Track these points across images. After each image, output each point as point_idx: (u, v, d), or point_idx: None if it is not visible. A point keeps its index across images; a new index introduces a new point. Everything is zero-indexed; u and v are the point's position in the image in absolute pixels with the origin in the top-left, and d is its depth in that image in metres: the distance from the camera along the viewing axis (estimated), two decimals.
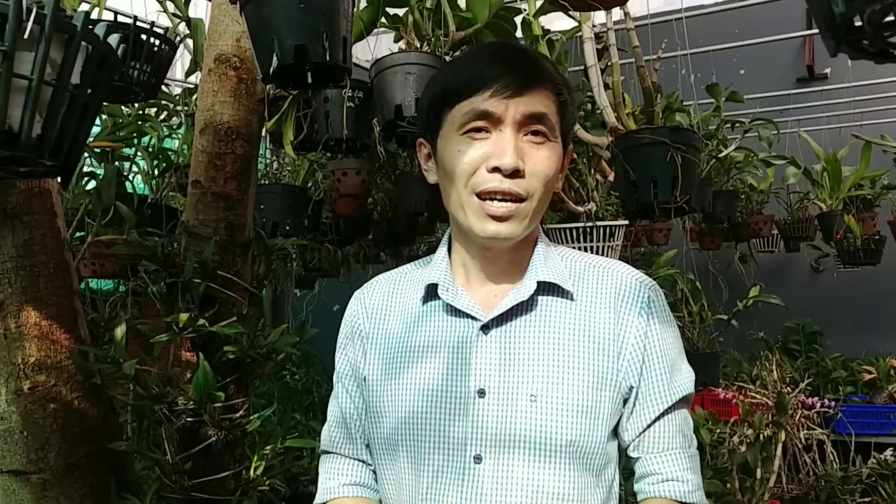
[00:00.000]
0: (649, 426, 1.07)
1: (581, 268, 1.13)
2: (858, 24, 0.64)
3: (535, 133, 1.04)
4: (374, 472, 1.18)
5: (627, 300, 1.09)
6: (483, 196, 1.04)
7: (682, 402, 1.10)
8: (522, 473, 1.01)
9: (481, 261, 1.12)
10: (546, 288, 1.09)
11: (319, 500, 1.20)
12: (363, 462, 1.20)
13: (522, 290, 1.08)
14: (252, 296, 1.79)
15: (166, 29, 2.03)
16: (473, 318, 1.08)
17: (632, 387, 1.07)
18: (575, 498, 1.02)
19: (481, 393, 1.03)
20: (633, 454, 1.09)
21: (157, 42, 1.92)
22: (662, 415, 1.07)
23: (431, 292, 1.13)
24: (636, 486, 1.11)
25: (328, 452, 1.23)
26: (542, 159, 1.04)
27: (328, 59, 1.20)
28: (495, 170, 1.02)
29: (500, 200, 1.03)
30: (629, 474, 1.13)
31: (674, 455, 1.07)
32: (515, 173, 1.02)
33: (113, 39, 1.02)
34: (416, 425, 1.06)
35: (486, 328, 1.07)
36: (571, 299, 1.09)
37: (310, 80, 1.27)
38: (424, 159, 1.16)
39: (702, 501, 1.06)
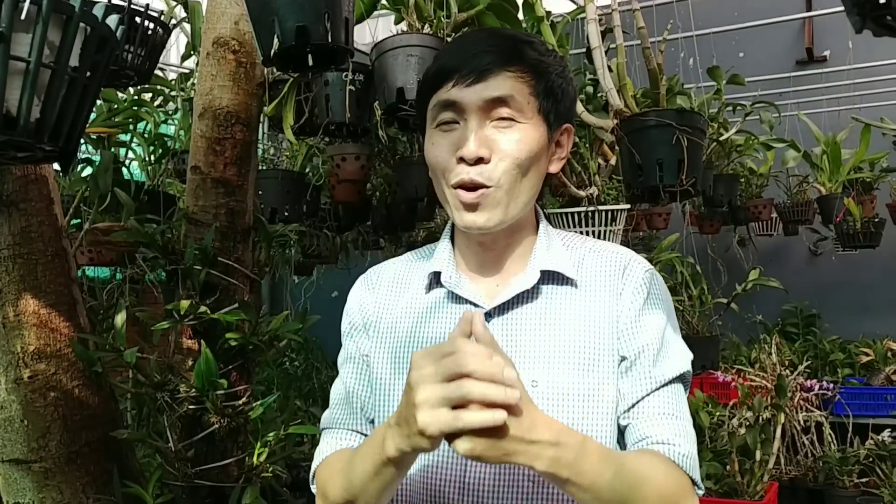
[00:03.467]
0: (643, 398, 1.04)
1: (582, 253, 1.13)
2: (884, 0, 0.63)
3: (502, 117, 1.02)
4: None
5: (626, 279, 1.09)
6: (457, 188, 1.03)
7: (678, 380, 1.07)
8: None
9: (479, 250, 1.12)
10: (549, 277, 1.09)
11: (314, 467, 1.16)
12: (362, 434, 1.16)
13: (525, 279, 1.08)
14: (252, 282, 1.78)
15: (161, 12, 2.00)
16: (476, 305, 1.08)
17: (624, 357, 1.05)
18: None
19: None
20: (622, 422, 1.06)
21: (152, 25, 1.89)
22: (656, 389, 1.05)
23: (435, 281, 1.13)
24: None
25: (327, 429, 1.20)
26: (509, 143, 1.02)
27: (330, 40, 1.18)
28: (461, 160, 1.02)
29: (468, 190, 1.02)
30: None
31: (665, 421, 1.03)
32: (479, 161, 1.01)
33: (112, 20, 1.00)
34: None
35: (488, 316, 1.07)
36: (575, 286, 1.09)
37: (311, 63, 1.25)
38: None
39: (694, 472, 1.01)
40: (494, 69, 1.01)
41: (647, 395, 1.05)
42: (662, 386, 1.05)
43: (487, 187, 1.02)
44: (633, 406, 1.05)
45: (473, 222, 1.03)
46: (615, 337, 1.06)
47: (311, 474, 1.16)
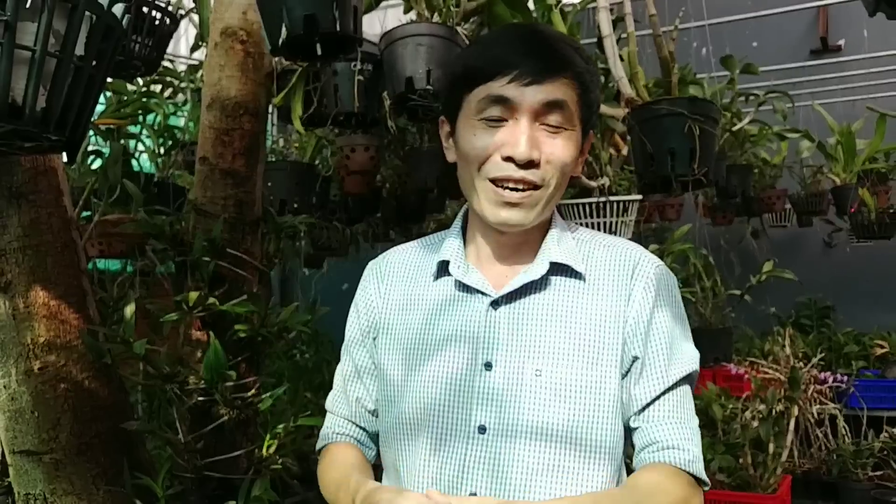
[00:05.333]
0: (652, 402, 1.06)
1: (591, 247, 1.14)
2: None
3: (553, 121, 1.03)
4: (368, 433, 1.22)
5: (636, 275, 1.09)
6: (497, 182, 1.04)
7: (686, 380, 1.09)
8: (524, 445, 1.02)
9: (494, 241, 1.13)
10: (558, 269, 1.10)
11: (319, 446, 1.25)
12: (355, 424, 1.23)
13: (534, 269, 1.09)
14: (262, 274, 1.77)
15: (168, 2, 2.00)
16: (483, 293, 1.09)
17: (636, 357, 1.07)
18: (574, 471, 1.03)
19: (488, 366, 1.05)
20: (633, 424, 1.08)
21: (159, 15, 1.90)
22: (666, 391, 1.07)
23: (443, 269, 1.14)
24: (636, 460, 1.10)
25: (329, 412, 1.27)
26: (558, 148, 1.04)
27: (338, 29, 1.17)
28: (509, 159, 1.02)
29: (512, 189, 1.04)
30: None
31: (674, 425, 1.06)
32: (530, 163, 1.02)
33: (117, 9, 0.99)
34: (433, 408, 1.07)
35: (495, 304, 1.08)
36: (583, 280, 1.10)
37: (319, 52, 1.24)
38: (445, 137, 1.15)
39: (700, 473, 1.05)
40: (553, 73, 1.02)
41: (657, 398, 1.06)
42: (671, 388, 1.07)
43: (537, 188, 1.04)
44: (644, 409, 1.06)
45: (509, 219, 1.05)
46: (621, 335, 1.07)
47: (317, 447, 1.26)
